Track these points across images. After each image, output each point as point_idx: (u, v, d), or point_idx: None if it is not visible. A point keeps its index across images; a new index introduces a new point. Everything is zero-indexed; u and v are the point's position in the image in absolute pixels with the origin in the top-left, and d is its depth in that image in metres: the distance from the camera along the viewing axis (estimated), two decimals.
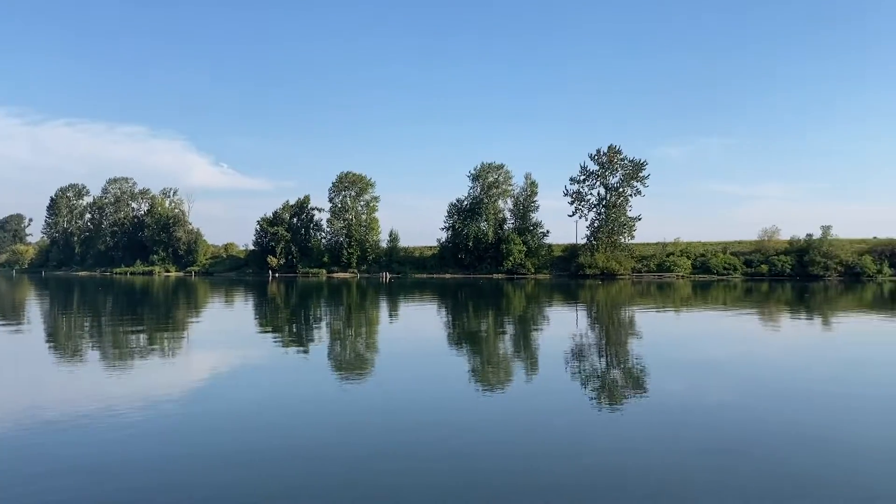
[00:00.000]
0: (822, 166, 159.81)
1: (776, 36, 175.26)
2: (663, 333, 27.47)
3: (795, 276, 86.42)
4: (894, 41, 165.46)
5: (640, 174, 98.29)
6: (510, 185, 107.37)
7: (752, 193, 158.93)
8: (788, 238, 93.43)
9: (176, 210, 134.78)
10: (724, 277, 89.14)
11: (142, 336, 23.76)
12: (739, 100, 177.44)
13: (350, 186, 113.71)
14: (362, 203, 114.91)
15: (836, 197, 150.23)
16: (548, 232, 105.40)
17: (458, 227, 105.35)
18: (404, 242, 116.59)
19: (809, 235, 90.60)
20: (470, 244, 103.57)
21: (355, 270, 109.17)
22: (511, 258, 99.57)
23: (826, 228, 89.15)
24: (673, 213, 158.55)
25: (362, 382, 15.37)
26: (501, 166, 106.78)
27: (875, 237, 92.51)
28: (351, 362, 18.61)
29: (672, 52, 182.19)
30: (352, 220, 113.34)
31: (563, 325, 29.98)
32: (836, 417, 11.85)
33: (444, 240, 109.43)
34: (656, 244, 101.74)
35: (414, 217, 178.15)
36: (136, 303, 44.56)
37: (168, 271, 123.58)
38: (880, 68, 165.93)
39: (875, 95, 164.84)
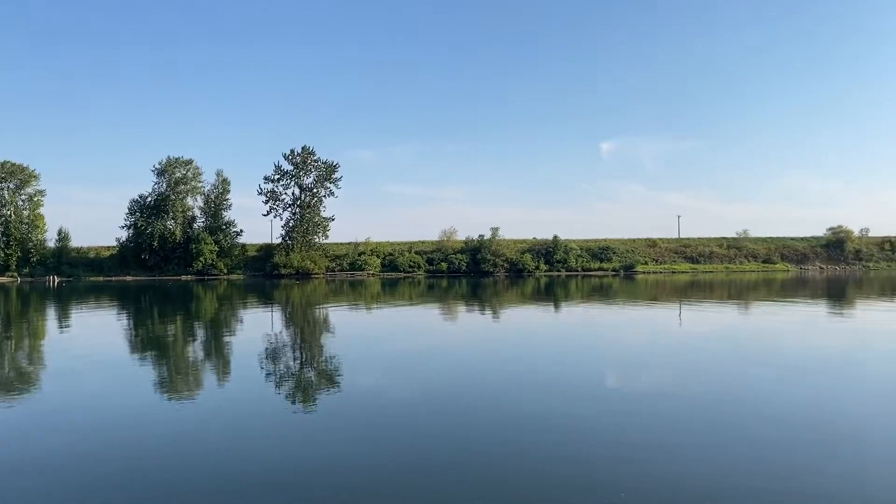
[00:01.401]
0: (495, 171, 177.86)
1: (451, 45, 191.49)
2: (356, 330, 28.67)
3: (470, 272, 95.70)
4: (539, 49, 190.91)
5: (333, 176, 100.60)
6: (200, 181, 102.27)
7: (435, 196, 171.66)
8: (464, 238, 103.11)
9: None
10: (410, 275, 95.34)
11: None
12: (425, 105, 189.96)
13: (7, 178, 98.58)
14: (23, 197, 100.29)
15: (505, 200, 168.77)
16: (241, 231, 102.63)
17: (142, 226, 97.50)
18: (77, 242, 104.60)
19: (481, 236, 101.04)
20: (155, 244, 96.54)
21: (15, 274, 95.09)
22: (202, 258, 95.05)
23: (495, 230, 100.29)
24: (364, 213, 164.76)
25: (24, 401, 13.69)
26: (190, 161, 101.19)
27: (535, 238, 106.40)
28: (9, 380, 16.41)
29: (366, 58, 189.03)
30: (10, 216, 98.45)
31: (258, 327, 29.70)
32: (512, 392, 13.65)
33: (124, 239, 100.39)
34: (349, 244, 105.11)
35: (89, 215, 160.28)
36: None
37: None
38: (542, 78, 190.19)
39: (534, 105, 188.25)
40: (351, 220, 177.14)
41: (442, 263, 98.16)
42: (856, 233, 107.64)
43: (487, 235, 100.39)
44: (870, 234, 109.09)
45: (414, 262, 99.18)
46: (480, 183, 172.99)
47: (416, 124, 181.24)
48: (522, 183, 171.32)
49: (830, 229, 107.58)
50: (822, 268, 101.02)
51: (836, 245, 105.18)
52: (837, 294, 48.62)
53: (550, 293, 53.81)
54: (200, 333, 27.04)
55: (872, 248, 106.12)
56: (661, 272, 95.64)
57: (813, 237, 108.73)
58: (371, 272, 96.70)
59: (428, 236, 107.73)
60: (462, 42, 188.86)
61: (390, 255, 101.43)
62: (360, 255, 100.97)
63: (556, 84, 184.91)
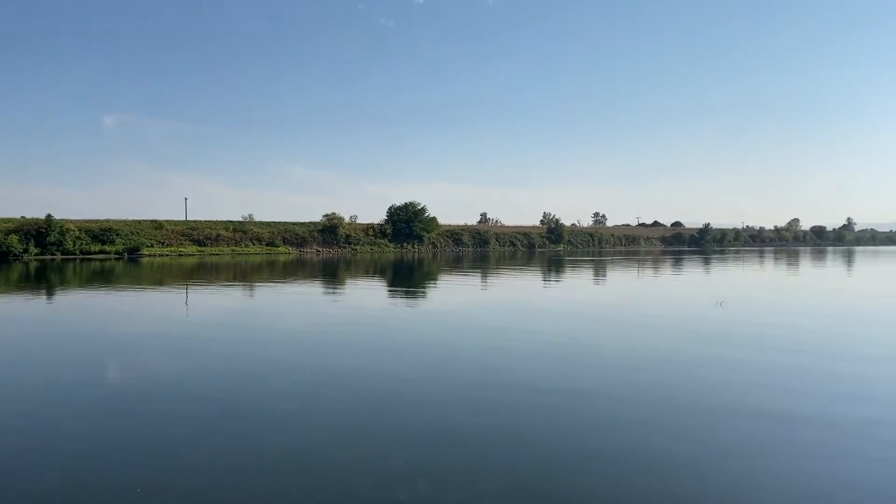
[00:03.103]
0: None
1: None
2: None
3: None
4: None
5: None
6: None
7: None
8: None
9: None
10: None
11: None
12: None
13: None
14: None
15: None
16: None
17: None
18: None
19: None
20: None
21: None
22: None
23: None
24: None
25: None
26: None
27: (23, 217, 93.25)
28: None
29: None
30: None
31: None
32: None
33: None
34: None
35: None
36: None
37: None
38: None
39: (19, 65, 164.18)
40: None
41: None
42: (346, 219, 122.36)
43: None
44: (358, 221, 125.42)
45: None
46: None
47: None
48: (10, 153, 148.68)
49: (326, 216, 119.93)
50: (318, 251, 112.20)
51: (330, 230, 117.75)
52: (331, 274, 55.09)
53: (42, 280, 48.35)
54: None
55: (359, 234, 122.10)
56: (167, 255, 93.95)
57: (311, 222, 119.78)
58: None
59: None
60: None
61: None
62: None
63: (50, 45, 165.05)
